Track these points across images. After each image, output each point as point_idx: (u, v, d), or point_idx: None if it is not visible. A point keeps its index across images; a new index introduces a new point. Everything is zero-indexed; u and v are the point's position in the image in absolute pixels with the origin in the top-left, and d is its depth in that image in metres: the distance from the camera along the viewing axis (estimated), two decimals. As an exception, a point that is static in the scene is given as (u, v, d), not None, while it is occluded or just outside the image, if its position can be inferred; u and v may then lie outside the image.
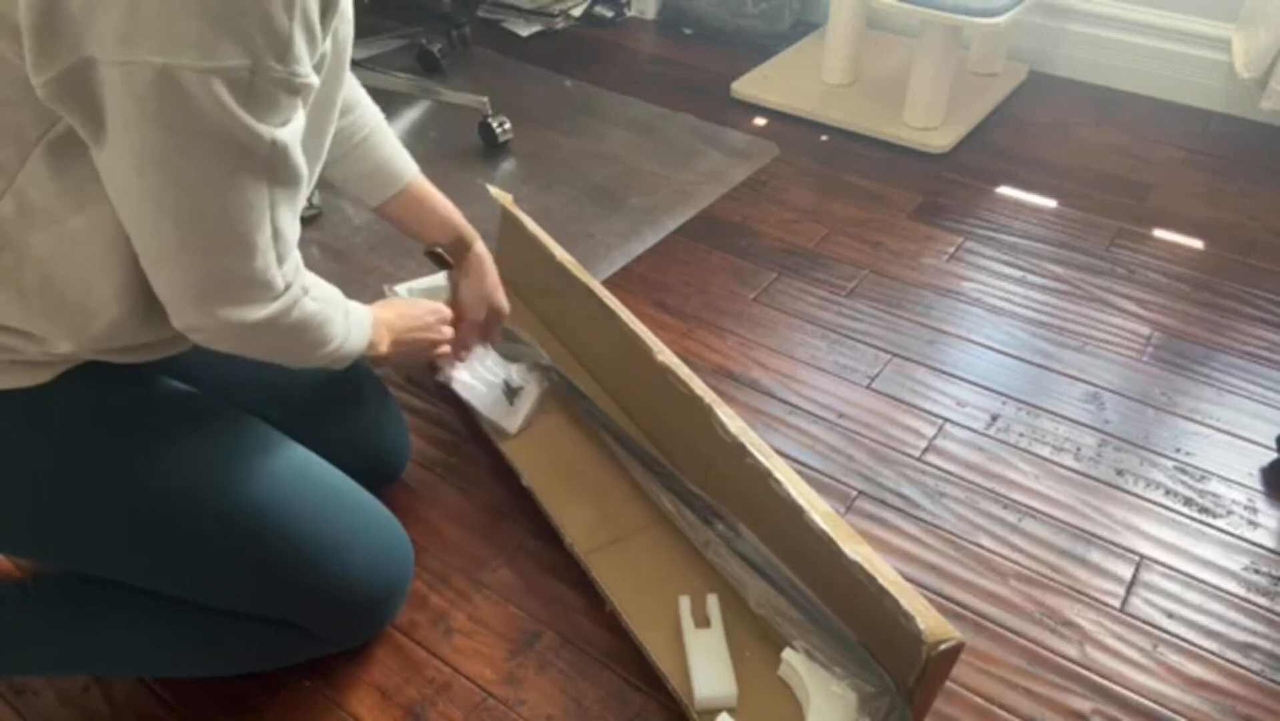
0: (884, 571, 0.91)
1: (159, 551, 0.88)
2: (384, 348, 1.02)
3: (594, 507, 1.18)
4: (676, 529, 1.15)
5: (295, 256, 0.81)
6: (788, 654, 0.98)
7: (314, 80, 0.71)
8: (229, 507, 0.88)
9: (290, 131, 0.72)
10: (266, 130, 0.69)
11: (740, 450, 1.06)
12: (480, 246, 1.20)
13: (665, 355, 1.18)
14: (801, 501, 0.99)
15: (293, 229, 0.79)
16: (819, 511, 0.98)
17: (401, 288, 1.44)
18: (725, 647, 1.01)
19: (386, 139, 1.10)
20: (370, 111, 1.08)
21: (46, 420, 0.83)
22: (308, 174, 0.79)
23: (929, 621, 0.87)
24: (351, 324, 0.93)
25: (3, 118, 0.70)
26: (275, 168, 0.72)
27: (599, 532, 1.15)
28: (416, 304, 1.11)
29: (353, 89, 1.06)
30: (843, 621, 0.97)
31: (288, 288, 0.80)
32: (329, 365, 0.93)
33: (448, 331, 1.13)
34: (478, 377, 1.28)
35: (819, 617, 0.99)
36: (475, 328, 1.23)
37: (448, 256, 1.17)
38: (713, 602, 1.06)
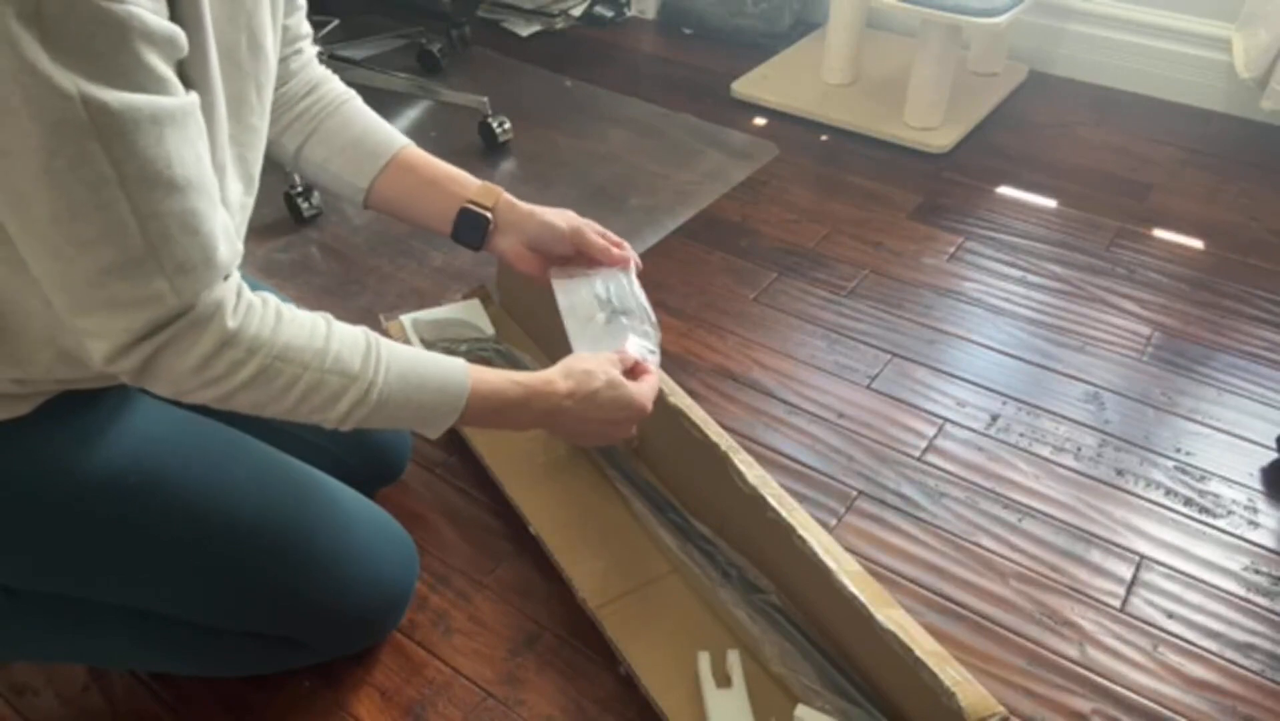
0: (920, 641, 0.87)
1: (157, 573, 0.87)
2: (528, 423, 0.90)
3: (605, 555, 1.12)
4: (693, 577, 1.09)
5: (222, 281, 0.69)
6: (801, 711, 0.93)
7: (154, 19, 0.57)
8: (228, 529, 0.87)
9: (131, 101, 0.55)
10: (70, 81, 0.53)
11: (760, 502, 1.01)
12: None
13: (678, 397, 1.12)
14: (829, 562, 0.94)
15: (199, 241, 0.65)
16: (848, 572, 0.93)
17: (407, 319, 1.36)
18: (749, 708, 0.96)
19: (367, 110, 0.96)
20: (341, 86, 0.96)
21: (32, 453, 0.79)
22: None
23: (970, 697, 0.82)
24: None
25: None
26: (106, 139, 0.56)
27: (612, 583, 1.08)
28: (620, 392, 0.88)
29: (313, 69, 0.94)
30: (873, 685, 0.93)
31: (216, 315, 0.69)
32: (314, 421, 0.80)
33: (633, 429, 0.94)
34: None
35: (842, 687, 0.95)
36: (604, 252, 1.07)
37: (482, 210, 0.96)
38: (734, 659, 0.99)
